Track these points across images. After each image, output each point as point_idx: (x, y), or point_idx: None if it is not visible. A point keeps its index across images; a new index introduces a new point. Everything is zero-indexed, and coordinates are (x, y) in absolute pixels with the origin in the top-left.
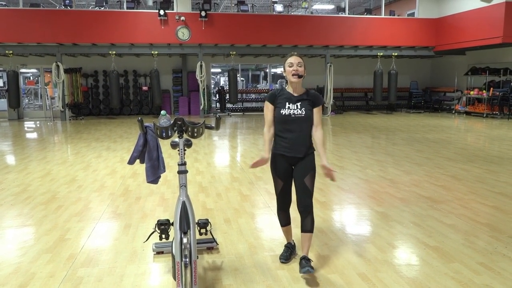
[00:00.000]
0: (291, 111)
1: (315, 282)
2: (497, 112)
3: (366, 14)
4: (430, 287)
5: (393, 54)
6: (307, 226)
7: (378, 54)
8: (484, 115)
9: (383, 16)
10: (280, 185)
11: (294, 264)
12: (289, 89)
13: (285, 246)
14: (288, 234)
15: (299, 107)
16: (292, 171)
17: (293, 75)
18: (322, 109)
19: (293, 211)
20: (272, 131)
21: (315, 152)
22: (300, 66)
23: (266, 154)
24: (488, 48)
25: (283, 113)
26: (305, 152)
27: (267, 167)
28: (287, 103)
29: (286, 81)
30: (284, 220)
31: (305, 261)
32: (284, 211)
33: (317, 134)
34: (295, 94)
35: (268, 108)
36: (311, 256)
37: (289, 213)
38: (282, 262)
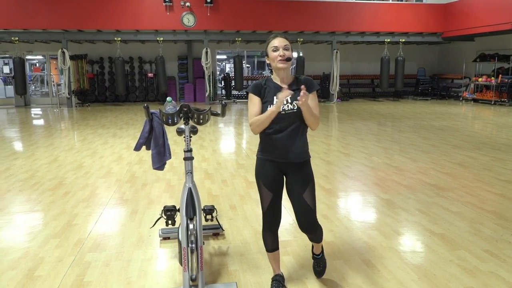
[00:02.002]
0: (283, 107)
1: None
2: (505, 99)
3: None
4: (435, 274)
5: (400, 40)
6: (316, 239)
7: (385, 40)
8: (492, 102)
9: (390, 1)
10: (268, 198)
11: (299, 250)
12: (275, 79)
13: (273, 280)
14: (275, 262)
15: (289, 101)
16: (283, 180)
17: (279, 60)
18: (320, 96)
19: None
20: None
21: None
22: (287, 49)
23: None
24: (497, 34)
25: (273, 110)
26: (300, 157)
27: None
28: (275, 97)
29: (271, 70)
30: (271, 244)
31: (317, 264)
32: (272, 232)
33: None
34: (283, 85)
35: (253, 101)
36: None
37: (277, 235)
38: None
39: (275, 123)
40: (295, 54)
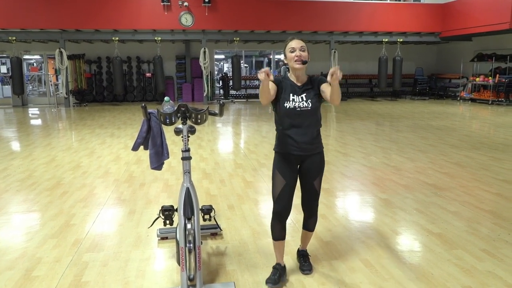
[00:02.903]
0: (296, 104)
1: (318, 268)
2: (502, 99)
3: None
4: (433, 274)
5: (398, 40)
6: (310, 226)
7: (383, 40)
8: (490, 102)
9: (388, 1)
10: (281, 185)
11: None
12: (291, 77)
13: (274, 267)
14: (280, 251)
15: (304, 99)
16: (297, 171)
17: (296, 61)
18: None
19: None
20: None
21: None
22: (303, 51)
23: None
24: (495, 34)
25: (287, 107)
26: (314, 150)
27: (270, 154)
28: (291, 94)
29: (288, 68)
30: (279, 233)
31: (303, 259)
32: (280, 222)
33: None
34: (299, 84)
35: (271, 86)
36: (313, 245)
37: (285, 225)
38: (270, 287)
39: (292, 119)
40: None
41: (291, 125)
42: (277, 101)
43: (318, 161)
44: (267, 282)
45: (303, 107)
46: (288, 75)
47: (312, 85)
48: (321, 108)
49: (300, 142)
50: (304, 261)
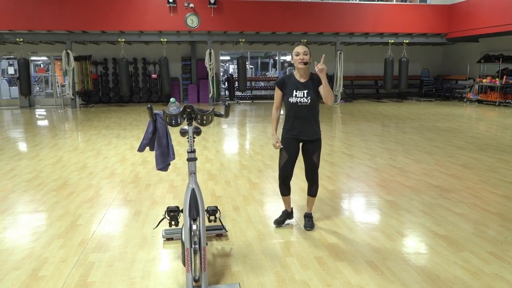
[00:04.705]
0: (298, 99)
1: (323, 270)
2: (510, 101)
3: (377, 1)
4: (439, 276)
5: (404, 41)
6: (313, 192)
7: (389, 41)
8: (497, 103)
9: (394, 2)
10: (284, 159)
11: (302, 251)
12: (296, 75)
13: (282, 212)
14: (286, 203)
15: (305, 95)
16: (299, 149)
17: (299, 63)
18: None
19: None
20: (279, 113)
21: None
22: (306, 55)
23: (273, 132)
24: (502, 35)
25: (291, 101)
26: (312, 136)
27: (276, 154)
28: (294, 90)
29: (294, 68)
30: (285, 191)
31: (307, 219)
32: (284, 184)
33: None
34: (302, 80)
35: (277, 93)
36: (318, 246)
37: (289, 185)
38: (275, 226)
39: (295, 112)
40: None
41: (295, 116)
42: (283, 96)
43: (316, 145)
44: (274, 222)
45: (303, 102)
46: (294, 73)
47: (312, 83)
48: (326, 109)
49: (302, 130)
50: (308, 221)
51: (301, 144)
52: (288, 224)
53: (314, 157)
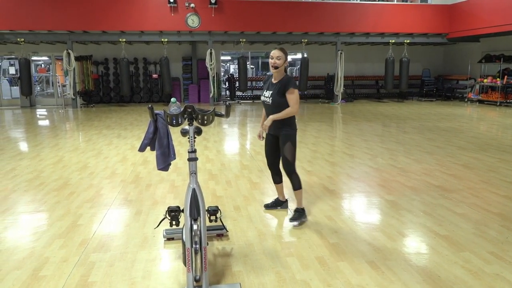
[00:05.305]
0: (265, 98)
1: (324, 270)
2: (511, 101)
3: (378, 1)
4: (440, 276)
5: (405, 41)
6: (293, 185)
7: (390, 41)
8: (498, 103)
9: (395, 2)
10: (264, 149)
11: (303, 251)
12: (273, 76)
13: (274, 198)
14: (278, 191)
15: (270, 95)
16: (274, 142)
17: (271, 66)
18: (325, 97)
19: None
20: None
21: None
22: (278, 59)
23: (260, 125)
24: (503, 35)
25: (262, 99)
26: (278, 132)
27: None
28: (266, 90)
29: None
30: (274, 179)
31: (294, 213)
32: (271, 171)
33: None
34: (274, 81)
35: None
36: (319, 246)
37: (278, 174)
38: (264, 208)
39: (264, 108)
40: (299, 55)
41: (265, 113)
42: None
43: (283, 140)
44: (264, 206)
45: (267, 102)
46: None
47: (280, 85)
48: (327, 109)
49: (270, 126)
50: (294, 215)
51: (275, 139)
52: (288, 224)
53: (284, 151)
